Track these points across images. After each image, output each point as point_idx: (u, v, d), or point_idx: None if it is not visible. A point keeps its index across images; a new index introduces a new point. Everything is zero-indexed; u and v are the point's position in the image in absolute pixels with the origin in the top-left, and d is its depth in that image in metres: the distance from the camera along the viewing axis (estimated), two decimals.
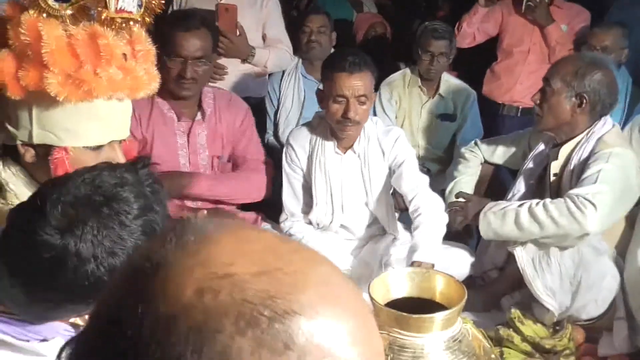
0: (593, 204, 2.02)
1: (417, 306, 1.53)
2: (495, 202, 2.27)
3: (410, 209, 2.20)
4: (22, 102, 1.26)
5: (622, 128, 2.45)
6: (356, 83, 2.14)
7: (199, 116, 2.36)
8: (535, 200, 2.15)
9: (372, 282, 1.52)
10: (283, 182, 2.39)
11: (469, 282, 2.41)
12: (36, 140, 1.28)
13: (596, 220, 2.02)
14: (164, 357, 0.41)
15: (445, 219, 2.19)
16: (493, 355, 1.50)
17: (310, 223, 2.43)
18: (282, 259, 0.44)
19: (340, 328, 0.43)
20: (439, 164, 3.08)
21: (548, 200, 2.13)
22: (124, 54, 1.20)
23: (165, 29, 2.25)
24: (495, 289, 2.36)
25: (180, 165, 2.36)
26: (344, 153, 2.32)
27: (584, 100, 2.15)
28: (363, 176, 2.33)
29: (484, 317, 2.29)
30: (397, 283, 1.57)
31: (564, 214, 2.05)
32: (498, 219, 2.19)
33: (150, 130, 2.32)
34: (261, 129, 3.02)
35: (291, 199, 2.40)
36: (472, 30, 3.35)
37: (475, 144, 2.64)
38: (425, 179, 2.28)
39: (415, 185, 2.22)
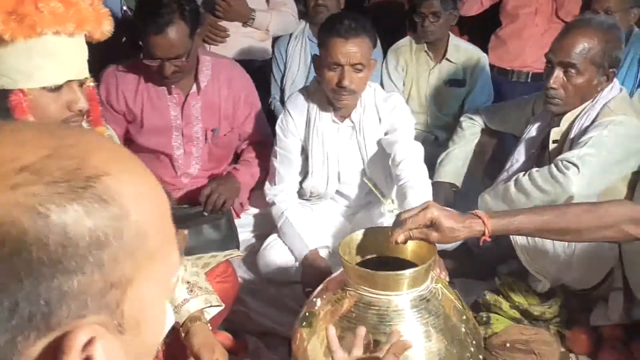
0: (576, 165, 1.95)
1: (389, 265, 1.52)
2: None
3: (396, 173, 2.13)
4: None
5: (632, 95, 2.36)
6: (351, 49, 2.02)
7: (193, 88, 2.30)
8: (523, 172, 2.10)
9: (342, 240, 1.52)
10: (276, 149, 2.31)
11: (465, 249, 2.39)
12: None
13: (579, 182, 1.96)
14: (13, 273, 0.42)
15: (430, 188, 2.14)
16: (464, 317, 1.47)
17: (302, 192, 2.39)
18: (57, 137, 0.47)
19: (136, 174, 0.50)
20: (448, 132, 3.01)
21: (535, 169, 2.07)
22: None
23: (139, 25, 2.12)
24: (490, 257, 2.33)
25: (173, 137, 2.34)
26: (342, 122, 2.25)
27: (612, 74, 2.07)
28: (359, 145, 2.27)
29: (479, 285, 2.27)
30: (370, 242, 1.56)
31: (547, 180, 2.00)
32: (493, 198, 2.15)
33: (138, 103, 2.30)
34: (265, 92, 3.00)
35: (285, 166, 2.31)
36: None
37: (477, 111, 2.57)
38: (420, 148, 2.19)
39: (406, 152, 2.14)
